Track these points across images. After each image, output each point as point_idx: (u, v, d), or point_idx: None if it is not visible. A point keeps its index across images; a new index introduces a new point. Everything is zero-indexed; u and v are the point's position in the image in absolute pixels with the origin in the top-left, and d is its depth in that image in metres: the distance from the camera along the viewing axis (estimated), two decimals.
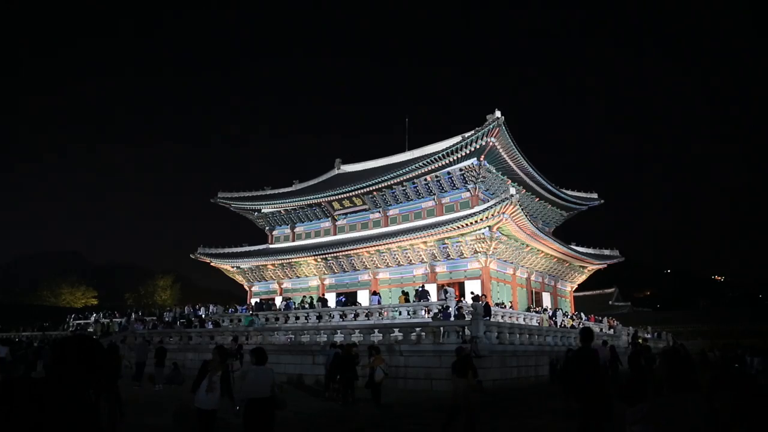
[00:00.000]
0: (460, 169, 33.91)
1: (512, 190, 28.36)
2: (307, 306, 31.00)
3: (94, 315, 46.65)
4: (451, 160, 32.61)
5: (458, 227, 30.39)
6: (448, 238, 32.26)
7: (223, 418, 11.91)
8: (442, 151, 32.81)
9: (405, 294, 28.14)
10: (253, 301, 41.25)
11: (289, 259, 40.31)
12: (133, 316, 37.62)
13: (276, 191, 47.24)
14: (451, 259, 33.50)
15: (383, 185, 36.55)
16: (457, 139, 33.03)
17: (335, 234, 41.68)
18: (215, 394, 7.52)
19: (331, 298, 35.98)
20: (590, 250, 42.48)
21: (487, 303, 23.29)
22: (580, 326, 31.42)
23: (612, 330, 32.90)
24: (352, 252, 36.65)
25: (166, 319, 33.61)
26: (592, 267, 43.70)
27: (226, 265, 44.89)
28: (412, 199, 37.37)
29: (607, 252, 43.92)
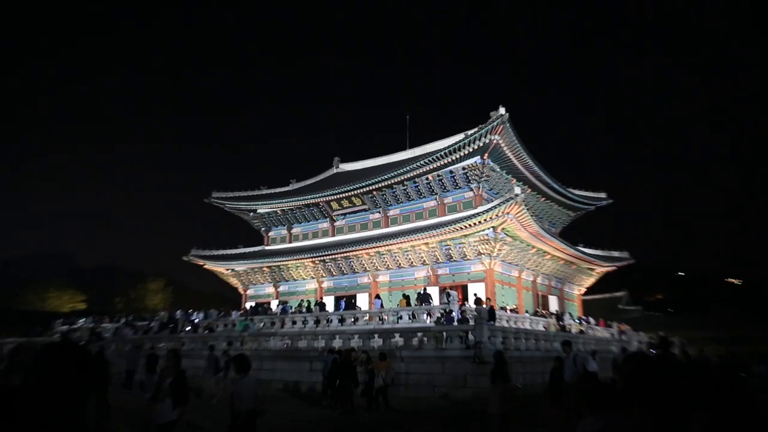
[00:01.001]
0: (463, 168, 33.92)
1: (517, 190, 28.32)
2: (304, 310, 30.99)
3: (82, 320, 46.62)
4: (454, 158, 32.61)
5: (461, 228, 30.40)
6: (450, 239, 32.25)
7: (200, 426, 11.91)
8: (445, 149, 32.80)
9: (406, 297, 28.12)
10: (248, 304, 41.24)
11: (285, 261, 40.31)
12: (123, 320, 37.57)
13: (272, 191, 47.25)
14: (454, 261, 33.49)
15: (383, 184, 36.56)
16: (460, 136, 33.02)
17: (334, 235, 41.68)
18: (167, 403, 6.92)
19: (330, 302, 35.96)
20: (598, 252, 42.45)
21: (491, 307, 23.28)
22: (588, 331, 31.48)
23: (623, 335, 32.87)
24: (351, 254, 36.65)
25: (152, 325, 33.33)
26: (601, 269, 43.67)
27: (220, 268, 44.90)
28: (413, 199, 37.37)
29: (616, 254, 43.89)
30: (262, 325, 28.37)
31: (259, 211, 45.33)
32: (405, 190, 37.03)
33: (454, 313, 22.35)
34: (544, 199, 39.63)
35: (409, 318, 24.11)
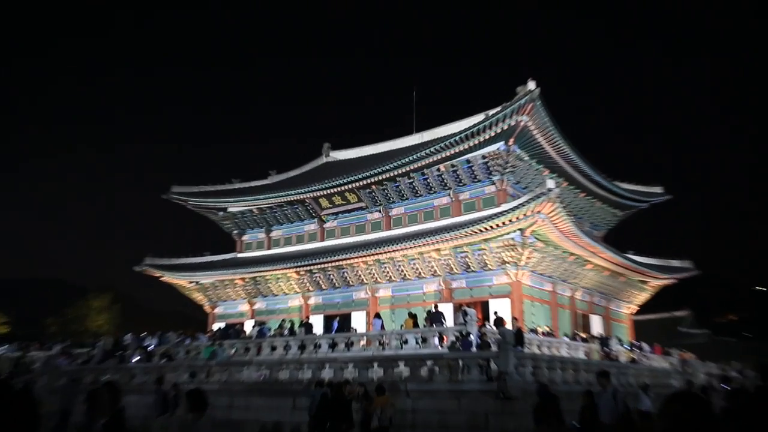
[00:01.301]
0: (483, 156, 33.88)
1: (550, 183, 28.32)
2: (286, 333, 30.95)
3: (4, 347, 46.49)
4: (472, 144, 32.56)
5: (481, 230, 30.34)
6: (467, 244, 32.21)
7: None
8: (460, 133, 32.77)
9: (413, 317, 28.11)
10: (216, 326, 41.20)
11: (263, 271, 40.31)
12: (57, 347, 37.43)
13: (246, 185, 47.33)
14: (472, 271, 33.47)
15: (384, 177, 36.53)
16: (480, 117, 33.00)
17: (323, 239, 41.69)
18: None
19: (318, 322, 35.96)
20: (653, 261, 42.42)
21: (519, 328, 23.16)
22: (642, 360, 31.34)
23: (685, 365, 32.64)
24: (344, 263, 36.64)
25: (93, 352, 33.17)
26: (657, 282, 43.65)
27: (181, 281, 44.88)
28: (421, 195, 37.37)
29: (675, 263, 43.86)
30: (233, 351, 28.33)
31: (230, 209, 45.33)
32: (411, 183, 36.99)
33: (472, 337, 22.25)
34: (584, 194, 39.59)
35: (417, 342, 24.07)
